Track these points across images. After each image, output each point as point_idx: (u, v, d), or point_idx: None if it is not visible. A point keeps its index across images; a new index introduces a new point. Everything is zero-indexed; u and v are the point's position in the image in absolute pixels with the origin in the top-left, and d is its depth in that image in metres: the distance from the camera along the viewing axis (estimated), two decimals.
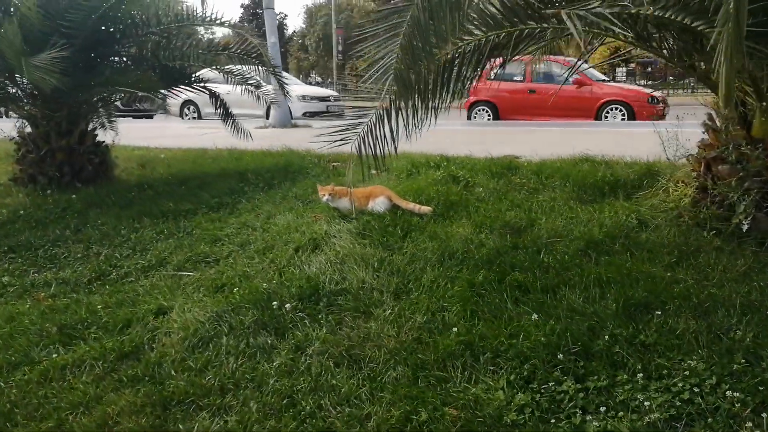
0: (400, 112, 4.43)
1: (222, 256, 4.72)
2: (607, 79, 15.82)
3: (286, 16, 70.73)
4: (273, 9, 14.34)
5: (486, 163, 6.51)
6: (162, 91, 7.04)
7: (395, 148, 4.44)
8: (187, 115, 19.78)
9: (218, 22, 6.79)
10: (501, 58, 4.83)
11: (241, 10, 57.68)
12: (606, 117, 14.32)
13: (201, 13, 6.86)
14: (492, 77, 15.47)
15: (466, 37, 3.89)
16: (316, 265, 4.28)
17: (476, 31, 3.88)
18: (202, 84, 7.34)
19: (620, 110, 14.26)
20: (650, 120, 14.19)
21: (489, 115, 15.58)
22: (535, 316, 3.36)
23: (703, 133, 4.76)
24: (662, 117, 14.49)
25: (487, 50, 3.94)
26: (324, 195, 5.18)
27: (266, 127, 13.68)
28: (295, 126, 14.17)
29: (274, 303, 3.72)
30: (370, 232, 4.71)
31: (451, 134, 10.71)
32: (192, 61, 6.75)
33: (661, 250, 4.07)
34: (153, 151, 9.58)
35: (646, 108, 14.17)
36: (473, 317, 3.44)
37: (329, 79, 50.38)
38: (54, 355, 3.45)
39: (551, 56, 5.99)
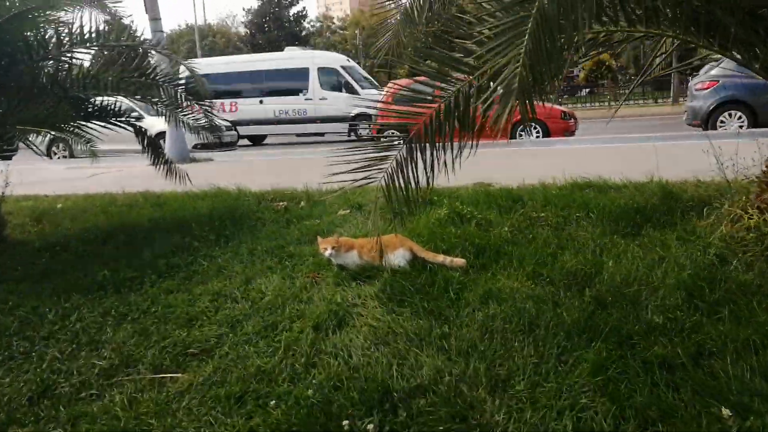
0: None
1: (209, 344, 3.50)
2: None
3: None
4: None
5: (482, 195, 5.62)
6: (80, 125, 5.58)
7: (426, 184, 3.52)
8: (56, 153, 17.64)
9: (142, 44, 5.49)
10: None
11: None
12: (521, 135, 13.97)
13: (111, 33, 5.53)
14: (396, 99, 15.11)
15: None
16: (356, 350, 3.18)
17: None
18: (125, 119, 5.94)
19: (535, 128, 13.97)
20: (564, 136, 14.10)
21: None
22: (727, 412, 2.46)
23: None
24: (572, 133, 14.40)
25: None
26: (326, 249, 4.09)
27: None
28: (195, 160, 12.71)
29: (345, 423, 2.60)
30: (403, 296, 3.67)
31: None
32: (110, 90, 5.39)
33: None
34: (44, 201, 7.98)
35: (560, 124, 14.01)
36: (634, 418, 2.49)
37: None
38: None
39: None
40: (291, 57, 23.31)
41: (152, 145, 6.26)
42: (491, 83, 3.14)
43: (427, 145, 3.57)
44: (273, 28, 59.12)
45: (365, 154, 3.64)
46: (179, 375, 3.20)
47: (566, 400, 2.66)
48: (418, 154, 3.62)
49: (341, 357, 3.14)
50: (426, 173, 3.65)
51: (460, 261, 4.02)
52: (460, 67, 3.52)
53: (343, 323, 3.51)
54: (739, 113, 12.96)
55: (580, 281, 3.73)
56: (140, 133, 6.13)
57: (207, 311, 3.91)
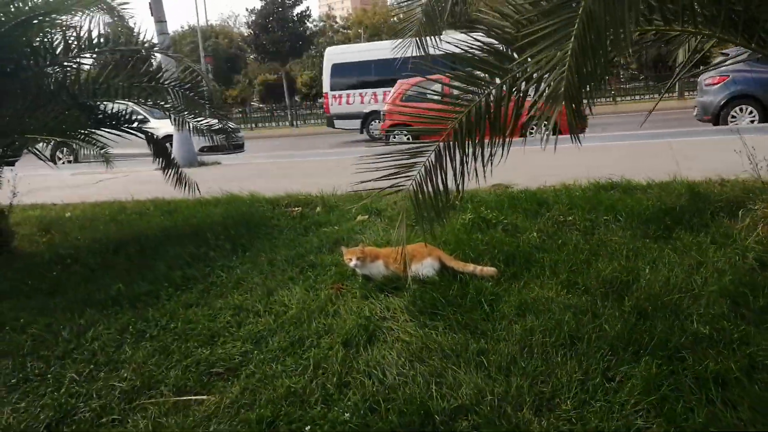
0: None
1: (234, 362, 3.36)
2: None
3: None
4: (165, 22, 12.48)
5: (506, 199, 5.47)
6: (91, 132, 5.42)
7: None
8: (60, 158, 17.49)
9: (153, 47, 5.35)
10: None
11: None
12: (531, 133, 13.76)
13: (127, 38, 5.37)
14: (406, 97, 14.99)
15: None
16: (390, 368, 3.04)
17: None
18: (136, 125, 5.78)
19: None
20: (575, 134, 13.90)
21: (408, 139, 14.65)
22: None
23: None
24: (583, 130, 14.21)
25: None
26: (351, 260, 3.94)
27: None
28: (203, 164, 12.56)
29: None
30: (434, 308, 3.53)
31: None
32: (120, 96, 5.23)
33: None
34: (51, 210, 7.83)
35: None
36: None
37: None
38: None
39: None
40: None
41: (162, 151, 6.11)
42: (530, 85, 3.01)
43: (457, 149, 3.42)
44: (276, 28, 58.93)
45: (392, 160, 3.48)
46: (205, 397, 3.07)
47: (618, 421, 2.52)
48: (448, 159, 3.47)
49: (375, 376, 2.99)
50: (455, 179, 3.50)
51: (490, 270, 3.87)
52: (491, 70, 3.37)
53: (374, 338, 3.37)
54: (750, 108, 12.79)
55: (616, 289, 3.58)
56: (152, 140, 5.98)
57: (229, 327, 3.77)
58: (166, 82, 5.78)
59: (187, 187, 6.22)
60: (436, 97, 3.79)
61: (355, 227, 5.40)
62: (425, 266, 3.87)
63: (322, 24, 72.12)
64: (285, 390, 2.98)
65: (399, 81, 15.78)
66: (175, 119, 6.03)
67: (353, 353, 3.24)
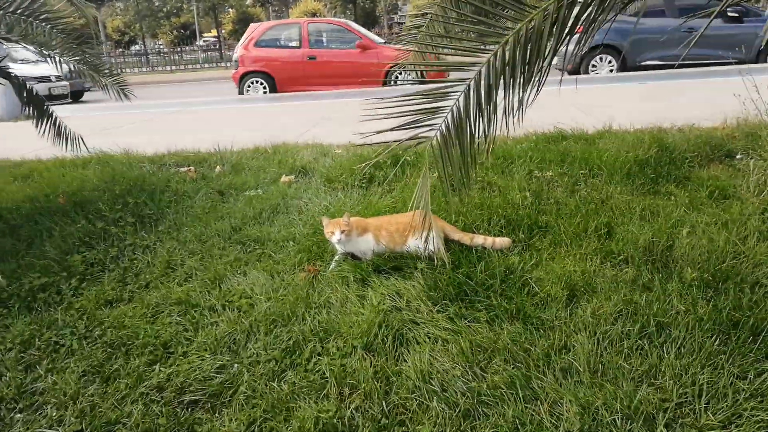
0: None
1: (212, 383, 2.44)
2: (387, 41, 14.72)
3: None
4: None
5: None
6: None
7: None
8: None
9: None
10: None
11: None
12: (396, 81, 13.25)
13: None
14: (261, 42, 13.75)
15: None
16: (450, 381, 2.30)
17: None
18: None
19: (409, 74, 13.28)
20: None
21: (265, 88, 13.53)
22: None
23: None
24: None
25: None
26: (333, 233, 3.10)
27: None
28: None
29: None
30: (462, 293, 2.81)
31: (273, 116, 8.68)
32: None
33: None
34: None
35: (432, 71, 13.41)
36: None
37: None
38: None
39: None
40: None
41: (35, 100, 4.71)
42: None
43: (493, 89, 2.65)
44: None
45: (409, 105, 2.66)
46: None
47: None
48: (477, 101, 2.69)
49: (435, 393, 2.23)
50: (482, 126, 2.72)
51: (504, 240, 3.21)
52: None
53: (402, 338, 2.58)
54: (609, 57, 13.09)
55: (660, 257, 3.06)
56: (21, 85, 4.56)
57: (182, 331, 2.80)
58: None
59: (68, 144, 4.89)
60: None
61: (288, 191, 4.49)
62: (429, 239, 3.11)
63: None
64: (314, 424, 2.13)
65: (252, 25, 14.49)
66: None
67: (386, 362, 2.44)
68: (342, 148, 5.72)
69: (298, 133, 7.17)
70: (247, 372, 2.48)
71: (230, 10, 54.98)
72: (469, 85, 2.66)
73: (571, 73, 13.13)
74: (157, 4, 53.00)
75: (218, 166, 5.36)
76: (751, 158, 4.11)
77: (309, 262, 3.30)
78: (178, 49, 38.13)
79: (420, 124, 2.69)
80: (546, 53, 2.63)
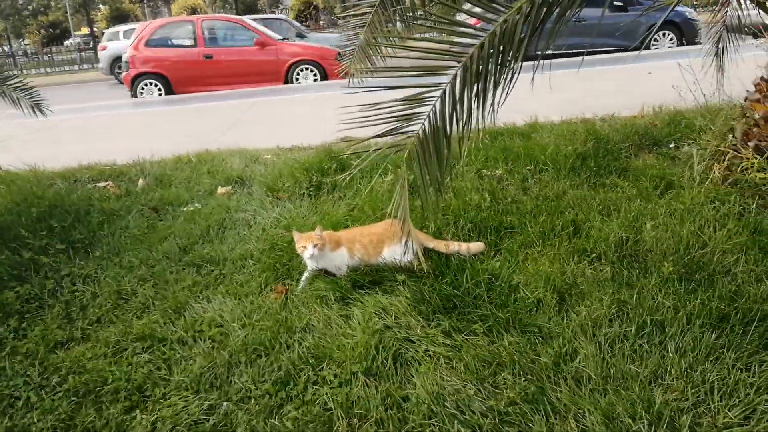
0: None
1: (205, 427, 2.24)
2: (286, 37, 14.38)
3: None
4: None
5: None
6: None
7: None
8: None
9: None
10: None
11: None
12: (297, 79, 13.00)
13: None
14: (152, 42, 13.05)
15: None
16: (466, 403, 2.21)
17: None
18: None
19: (312, 71, 13.06)
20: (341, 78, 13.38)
21: (160, 90, 12.90)
22: None
23: None
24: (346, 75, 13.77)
25: None
26: (305, 248, 2.93)
27: None
28: None
29: None
30: (451, 306, 2.72)
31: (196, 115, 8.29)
32: None
33: None
34: None
35: (336, 65, 13.25)
36: None
37: None
38: None
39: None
40: None
41: None
42: None
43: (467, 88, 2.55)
44: None
45: (385, 109, 2.52)
46: None
47: None
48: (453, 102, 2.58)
49: (458, 422, 2.12)
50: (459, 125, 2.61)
51: (478, 245, 3.15)
52: None
53: (400, 359, 2.47)
54: None
55: (630, 252, 3.10)
56: None
57: (155, 370, 2.56)
58: None
59: None
60: None
61: (229, 203, 4.24)
62: (404, 250, 3.01)
63: None
64: None
65: (141, 24, 13.79)
66: None
67: (391, 386, 2.32)
68: (271, 153, 5.50)
69: (213, 137, 6.86)
70: (240, 410, 2.29)
71: (102, 6, 52.39)
72: (445, 90, 2.56)
73: None
74: (21, 2, 49.73)
75: (140, 180, 5.01)
76: (689, 147, 4.25)
77: (276, 281, 3.11)
78: (47, 49, 35.68)
79: (400, 131, 2.58)
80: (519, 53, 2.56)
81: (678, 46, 13.07)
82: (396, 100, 2.55)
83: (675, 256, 3.00)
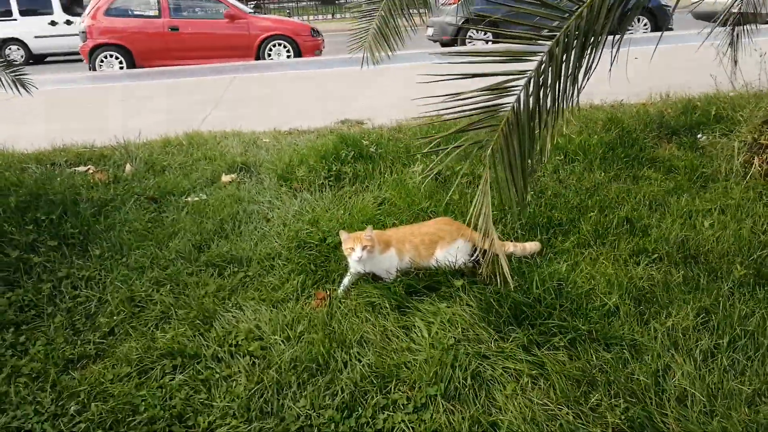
0: None
1: None
2: (257, 11, 13.76)
3: None
4: None
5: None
6: None
7: None
8: None
9: None
10: None
11: None
12: (269, 55, 12.49)
13: None
14: (112, 11, 12.25)
15: None
16: None
17: None
18: None
19: (285, 46, 12.57)
20: (315, 55, 12.91)
21: (121, 63, 12.22)
22: None
23: None
24: (321, 51, 13.33)
25: None
26: (353, 249, 2.62)
27: None
28: None
29: None
30: (521, 316, 2.46)
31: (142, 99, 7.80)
32: None
33: None
34: None
35: (310, 41, 12.81)
36: None
37: None
38: None
39: None
40: None
41: None
42: None
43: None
44: None
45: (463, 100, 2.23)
46: None
47: None
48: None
49: None
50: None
51: (534, 245, 2.89)
52: None
53: (481, 380, 2.19)
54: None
55: (691, 253, 2.89)
56: None
57: (194, 393, 2.23)
58: None
59: None
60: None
61: (238, 194, 3.87)
62: (459, 250, 2.73)
63: None
64: None
65: None
66: None
67: (476, 411, 2.04)
68: (268, 137, 5.12)
69: (196, 117, 6.42)
70: None
71: None
72: (530, 78, 2.29)
73: (444, 44, 13.05)
74: None
75: (128, 165, 4.58)
76: (727, 139, 4.07)
77: (314, 286, 2.79)
78: None
79: (480, 126, 2.29)
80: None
81: (651, 31, 13.02)
82: (478, 90, 2.26)
83: (736, 257, 2.81)
